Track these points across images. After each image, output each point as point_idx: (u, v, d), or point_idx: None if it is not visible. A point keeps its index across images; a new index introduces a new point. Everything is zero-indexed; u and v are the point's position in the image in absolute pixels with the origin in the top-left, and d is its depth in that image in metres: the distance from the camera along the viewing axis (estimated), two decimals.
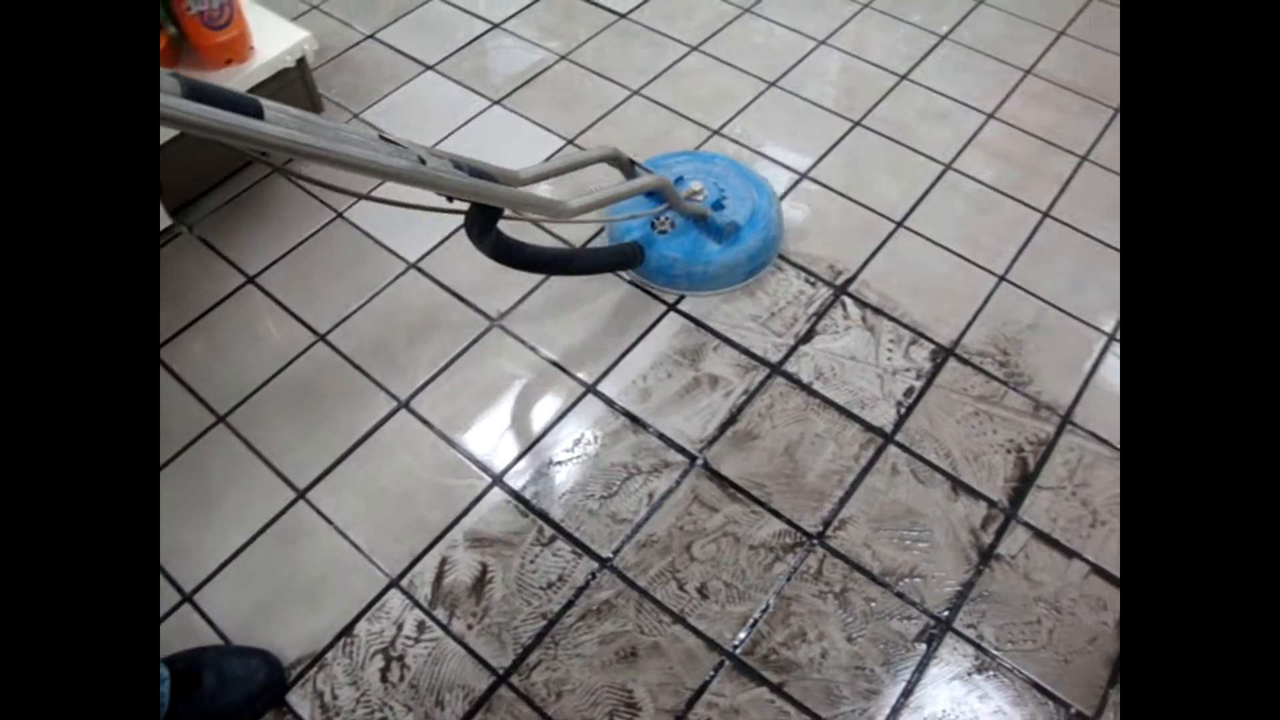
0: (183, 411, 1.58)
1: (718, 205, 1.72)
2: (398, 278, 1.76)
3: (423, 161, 1.16)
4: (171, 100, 0.88)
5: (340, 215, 1.87)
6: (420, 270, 1.77)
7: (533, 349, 1.65)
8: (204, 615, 1.37)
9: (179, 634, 1.35)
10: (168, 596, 1.39)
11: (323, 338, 1.67)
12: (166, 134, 1.73)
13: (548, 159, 1.47)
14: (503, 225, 1.36)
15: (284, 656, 1.33)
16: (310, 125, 1.05)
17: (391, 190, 1.30)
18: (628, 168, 1.58)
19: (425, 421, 1.56)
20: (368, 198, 1.24)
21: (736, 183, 1.77)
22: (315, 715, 1.28)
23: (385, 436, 1.54)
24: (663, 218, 1.74)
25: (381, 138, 1.16)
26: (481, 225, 1.31)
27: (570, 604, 1.36)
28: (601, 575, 1.38)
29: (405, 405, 1.58)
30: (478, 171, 1.26)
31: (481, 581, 1.39)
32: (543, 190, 1.86)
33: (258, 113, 0.97)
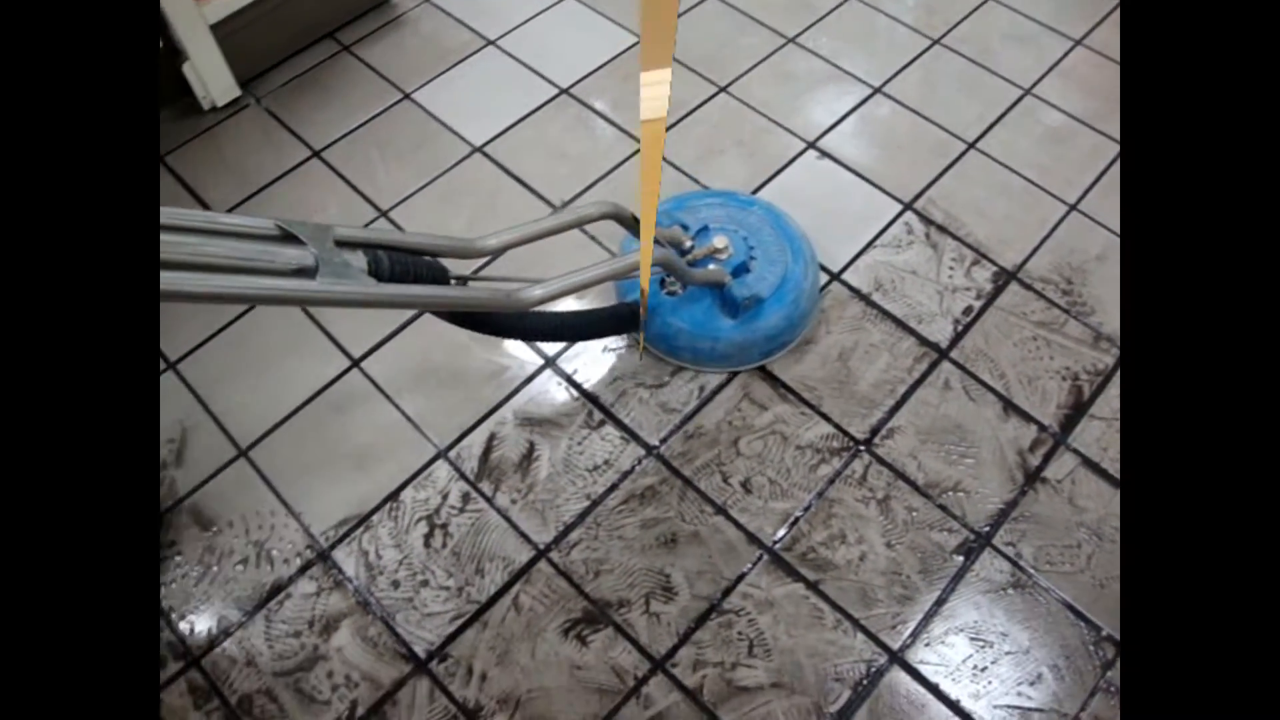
0: None
1: (742, 268, 1.44)
2: (462, 160, 1.76)
3: (315, 269, 0.91)
4: None
5: (408, 96, 1.87)
6: (486, 155, 1.77)
7: (593, 238, 1.64)
8: (257, 469, 1.40)
9: (235, 485, 1.39)
10: (224, 451, 1.42)
11: (385, 214, 1.68)
12: (241, 3, 1.73)
13: (532, 221, 1.22)
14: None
15: (331, 515, 1.36)
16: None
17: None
18: (632, 225, 1.31)
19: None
20: None
21: (770, 239, 1.51)
22: (360, 573, 1.32)
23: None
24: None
25: (280, 228, 0.93)
26: None
27: (614, 487, 1.38)
28: (647, 462, 1.40)
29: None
30: (409, 253, 1.04)
31: (528, 459, 1.40)
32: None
33: None
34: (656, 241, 1.25)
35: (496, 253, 1.20)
